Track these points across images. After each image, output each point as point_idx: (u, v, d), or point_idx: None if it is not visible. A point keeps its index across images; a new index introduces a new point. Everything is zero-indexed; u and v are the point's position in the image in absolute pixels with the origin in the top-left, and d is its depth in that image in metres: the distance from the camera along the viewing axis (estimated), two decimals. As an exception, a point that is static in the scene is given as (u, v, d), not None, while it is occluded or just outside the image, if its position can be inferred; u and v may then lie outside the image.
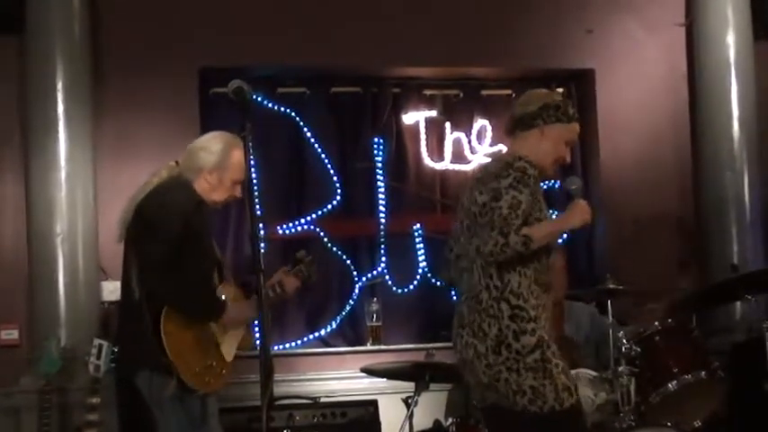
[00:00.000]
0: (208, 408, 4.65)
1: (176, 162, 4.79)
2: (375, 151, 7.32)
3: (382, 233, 7.29)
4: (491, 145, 7.42)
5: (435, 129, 7.45)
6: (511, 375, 4.08)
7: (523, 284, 4.13)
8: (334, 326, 7.20)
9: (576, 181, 4.44)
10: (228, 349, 4.73)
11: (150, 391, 4.53)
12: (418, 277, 7.33)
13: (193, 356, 4.55)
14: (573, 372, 5.23)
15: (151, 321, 4.45)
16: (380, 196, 7.32)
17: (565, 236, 7.39)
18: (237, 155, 4.70)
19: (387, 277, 7.27)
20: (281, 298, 4.98)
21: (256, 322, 4.85)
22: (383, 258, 7.28)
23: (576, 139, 4.46)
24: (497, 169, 4.19)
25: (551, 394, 4.06)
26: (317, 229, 7.21)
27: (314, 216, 7.22)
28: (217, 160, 4.72)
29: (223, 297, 4.74)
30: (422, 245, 7.33)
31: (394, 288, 7.28)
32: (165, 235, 4.48)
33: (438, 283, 7.31)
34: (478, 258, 4.16)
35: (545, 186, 6.73)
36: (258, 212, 6.81)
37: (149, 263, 4.50)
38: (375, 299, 7.15)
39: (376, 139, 7.33)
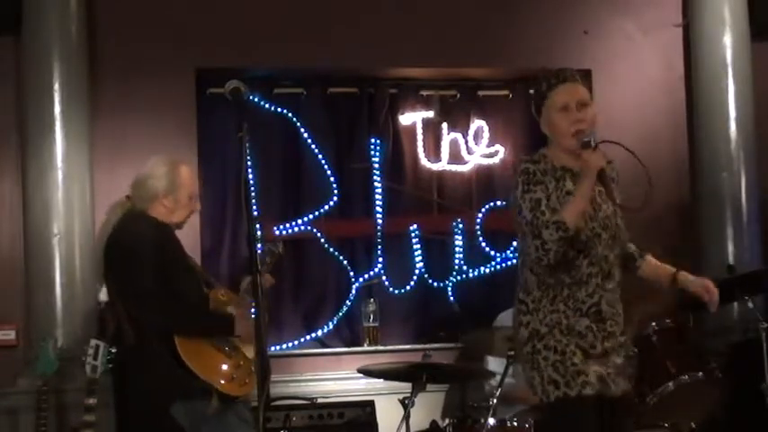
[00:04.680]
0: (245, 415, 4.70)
1: (127, 197, 4.84)
2: (372, 152, 7.31)
3: (379, 234, 7.28)
4: (488, 146, 7.42)
5: (432, 129, 7.44)
6: (517, 366, 4.36)
7: (530, 280, 4.22)
8: (330, 326, 7.19)
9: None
10: (248, 347, 4.74)
11: (189, 422, 4.53)
12: (415, 278, 7.31)
13: (221, 365, 4.57)
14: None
15: (168, 352, 4.46)
16: (377, 197, 7.30)
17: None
18: (185, 170, 4.84)
19: (384, 278, 7.26)
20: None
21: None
22: (380, 259, 7.27)
23: (574, 97, 4.41)
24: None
25: (539, 387, 4.17)
26: (314, 230, 7.20)
27: (311, 217, 7.21)
28: (166, 183, 4.79)
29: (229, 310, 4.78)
30: (419, 246, 7.32)
31: (391, 289, 7.27)
32: (141, 269, 4.53)
33: (434, 284, 7.32)
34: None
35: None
36: (255, 213, 6.79)
37: (137, 300, 4.55)
38: (372, 299, 7.14)
39: (373, 140, 7.32)
